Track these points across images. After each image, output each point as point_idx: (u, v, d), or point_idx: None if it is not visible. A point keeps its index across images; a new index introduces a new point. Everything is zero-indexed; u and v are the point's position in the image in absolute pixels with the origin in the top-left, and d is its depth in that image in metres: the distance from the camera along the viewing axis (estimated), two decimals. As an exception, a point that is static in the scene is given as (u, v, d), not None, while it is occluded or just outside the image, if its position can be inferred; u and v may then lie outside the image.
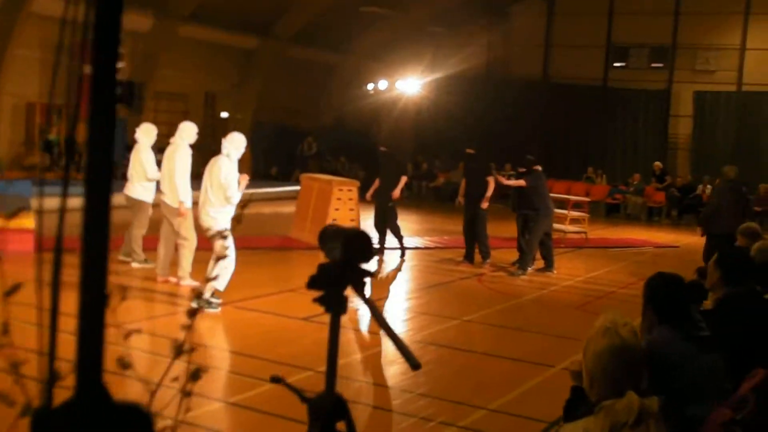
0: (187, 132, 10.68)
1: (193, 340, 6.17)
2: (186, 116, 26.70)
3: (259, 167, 28.57)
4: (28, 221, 12.12)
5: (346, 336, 8.45)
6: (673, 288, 4.27)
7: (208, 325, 8.71)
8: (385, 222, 13.94)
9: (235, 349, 7.96)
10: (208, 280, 8.72)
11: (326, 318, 7.34)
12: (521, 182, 13.08)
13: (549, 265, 13.36)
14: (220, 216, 9.26)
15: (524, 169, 13.33)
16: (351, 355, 7.74)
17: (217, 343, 8.11)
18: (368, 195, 14.30)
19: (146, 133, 11.79)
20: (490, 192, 13.18)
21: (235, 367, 7.41)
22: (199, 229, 9.74)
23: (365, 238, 2.43)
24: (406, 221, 20.06)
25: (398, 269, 13.39)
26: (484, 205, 13.13)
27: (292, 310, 9.43)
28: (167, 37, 24.87)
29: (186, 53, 26.12)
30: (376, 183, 14.17)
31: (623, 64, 28.59)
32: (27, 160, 22.35)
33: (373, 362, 7.74)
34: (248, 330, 8.76)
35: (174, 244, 10.58)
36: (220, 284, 9.16)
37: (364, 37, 30.71)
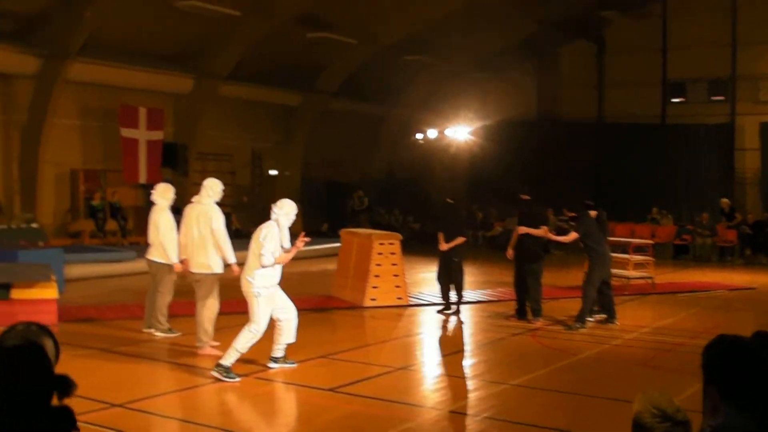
0: (215, 189, 9.95)
1: (202, 420, 5.24)
2: (234, 176, 26.42)
3: (309, 223, 27.94)
4: (50, 291, 11.54)
5: (360, 416, 7.50)
6: (743, 358, 3.23)
7: (223, 400, 7.84)
8: (449, 276, 13.24)
9: (244, 429, 7.03)
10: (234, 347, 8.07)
11: (355, 389, 6.45)
12: (572, 236, 12.01)
13: (611, 317, 12.22)
14: (257, 280, 8.54)
15: (573, 214, 12.30)
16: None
17: (230, 422, 7.20)
18: (441, 247, 13.28)
19: (163, 194, 11.10)
20: (539, 234, 12.13)
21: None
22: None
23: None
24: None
25: (448, 327, 12.42)
26: (538, 233, 12.09)
27: (320, 379, 8.53)
28: (209, 97, 24.60)
29: (229, 112, 25.81)
30: (440, 236, 13.29)
31: (681, 99, 27.41)
32: (72, 227, 22.07)
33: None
34: (266, 405, 7.86)
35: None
36: (244, 348, 8.41)
37: (409, 86, 30.12)
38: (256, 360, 9.26)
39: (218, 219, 9.74)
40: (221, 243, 9.66)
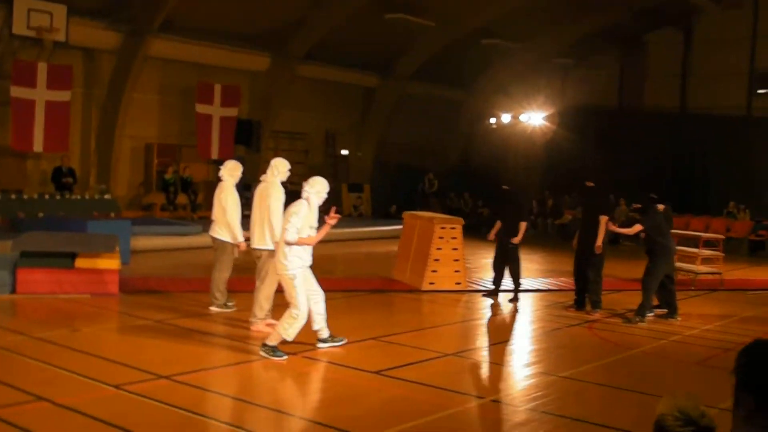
0: (280, 168, 10.01)
1: (242, 396, 5.30)
2: (307, 155, 26.61)
3: (379, 205, 27.98)
4: (113, 262, 11.80)
5: (403, 400, 7.46)
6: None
7: (267, 377, 7.90)
8: (504, 263, 13.16)
9: (287, 409, 7.05)
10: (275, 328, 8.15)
11: (401, 372, 6.43)
12: (637, 228, 11.74)
13: (672, 312, 11.92)
14: (291, 262, 8.52)
15: (639, 206, 12.00)
16: (406, 421, 6.70)
17: (270, 400, 7.24)
18: (490, 236, 13.40)
19: (231, 171, 11.15)
20: (602, 233, 11.84)
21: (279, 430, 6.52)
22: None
23: None
24: (527, 261, 18.88)
25: (504, 314, 12.29)
26: (597, 246, 11.82)
27: (367, 361, 8.52)
28: (285, 77, 24.75)
29: (305, 92, 25.94)
30: (498, 224, 13.26)
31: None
32: (145, 200, 22.53)
33: (433, 430, 6.70)
34: (311, 385, 7.90)
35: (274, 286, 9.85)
36: (289, 334, 8.41)
37: (488, 71, 29.82)
38: (303, 340, 9.32)
39: (276, 197, 9.79)
40: (272, 220, 9.69)
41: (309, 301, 8.70)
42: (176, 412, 6.56)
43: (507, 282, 13.43)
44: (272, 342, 8.47)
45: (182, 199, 22.66)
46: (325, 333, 9.03)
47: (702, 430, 2.77)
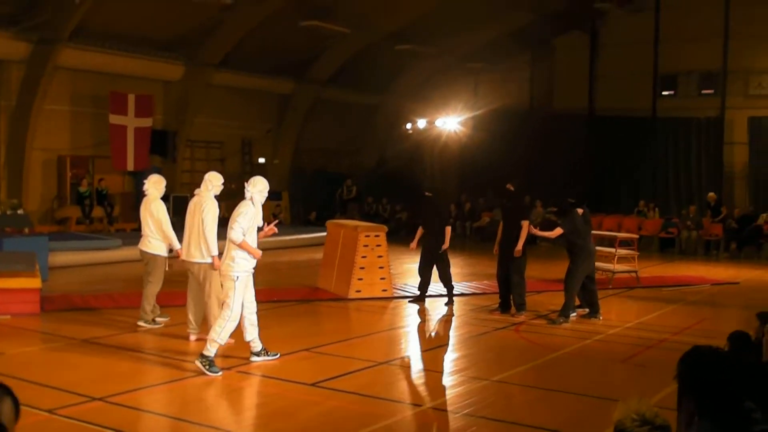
0: (214, 182, 10.06)
1: (179, 415, 5.24)
2: (223, 163, 26.35)
3: (298, 212, 27.92)
4: (33, 281, 11.51)
5: (341, 411, 7.51)
6: (719, 369, 3.24)
7: (202, 394, 7.84)
8: (431, 268, 13.36)
9: (225, 426, 7.00)
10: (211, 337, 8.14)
11: (336, 383, 6.48)
12: (557, 231, 12.04)
13: (594, 311, 12.26)
14: (238, 264, 8.70)
15: (555, 209, 12.32)
16: None
17: (207, 417, 7.18)
18: (413, 244, 13.61)
19: (155, 185, 11.15)
20: (523, 237, 12.11)
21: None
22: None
23: None
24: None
25: (431, 320, 12.45)
26: (517, 250, 12.09)
27: (301, 374, 8.54)
28: (199, 85, 24.49)
29: (220, 100, 25.70)
30: (420, 231, 13.46)
31: (672, 92, 27.42)
32: (59, 213, 22.00)
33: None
34: (247, 400, 7.86)
35: (202, 301, 10.02)
36: (221, 337, 8.50)
37: (402, 76, 30.08)
38: (239, 353, 9.28)
39: (209, 211, 9.84)
40: (206, 234, 9.78)
41: (243, 309, 8.73)
42: (113, 435, 6.47)
43: (432, 287, 13.60)
44: (210, 353, 8.44)
45: (98, 211, 22.20)
46: (258, 345, 9.04)
47: (658, 428, 2.90)
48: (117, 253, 17.74)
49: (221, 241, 9.35)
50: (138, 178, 22.97)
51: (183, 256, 10.06)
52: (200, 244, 9.84)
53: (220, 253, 9.46)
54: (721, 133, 26.24)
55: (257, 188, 8.91)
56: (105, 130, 22.10)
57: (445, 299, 13.41)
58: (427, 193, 13.83)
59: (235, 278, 8.63)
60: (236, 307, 8.63)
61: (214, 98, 25.37)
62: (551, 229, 12.87)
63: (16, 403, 2.44)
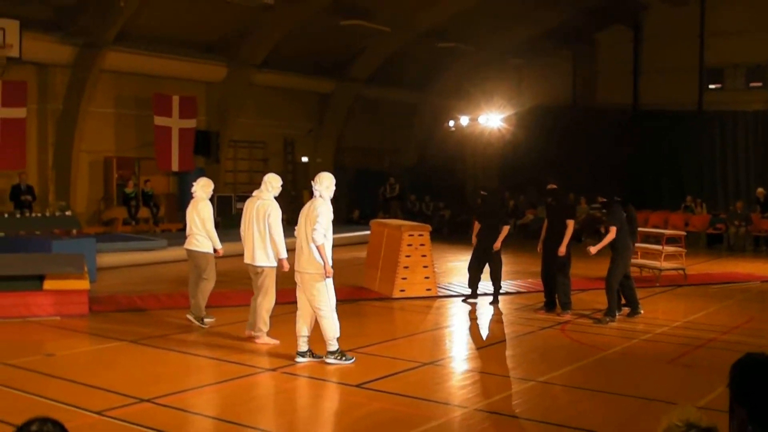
0: (274, 184, 10.19)
1: (226, 417, 5.28)
2: (266, 163, 26.51)
3: (341, 211, 27.98)
4: (82, 282, 11.68)
5: (387, 413, 7.51)
6: (772, 377, 3.17)
7: (250, 396, 7.88)
8: (482, 265, 13.37)
9: (272, 428, 7.04)
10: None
11: (382, 385, 6.51)
12: (611, 235, 11.74)
13: (634, 309, 12.10)
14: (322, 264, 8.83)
15: (604, 200, 12.16)
16: (402, 433, 6.74)
17: (255, 419, 7.22)
18: (473, 239, 13.48)
19: (203, 188, 11.27)
20: (567, 236, 12.01)
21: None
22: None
23: None
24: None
25: (476, 319, 12.39)
26: (561, 251, 11.99)
27: (347, 375, 8.56)
28: (241, 86, 24.67)
29: (261, 100, 25.88)
30: (476, 225, 13.43)
31: (719, 86, 27.02)
32: (106, 215, 22.29)
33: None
34: (293, 402, 7.89)
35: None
36: (336, 331, 8.97)
37: (442, 73, 30.02)
38: (284, 354, 9.33)
39: (274, 214, 9.96)
40: (274, 237, 9.90)
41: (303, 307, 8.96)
42: (162, 437, 6.54)
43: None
44: (333, 347, 8.85)
45: (144, 212, 22.47)
46: (305, 346, 9.08)
47: (704, 430, 2.86)
48: (163, 253, 17.94)
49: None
50: (183, 178, 23.25)
51: (246, 260, 10.10)
52: (265, 248, 9.91)
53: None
54: (769, 126, 25.82)
55: (324, 185, 8.99)
56: (149, 131, 22.36)
57: (490, 298, 13.36)
58: (482, 192, 13.81)
59: (322, 275, 8.75)
60: (332, 301, 8.84)
61: (256, 98, 25.56)
62: (593, 227, 12.75)
63: None
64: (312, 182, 9.10)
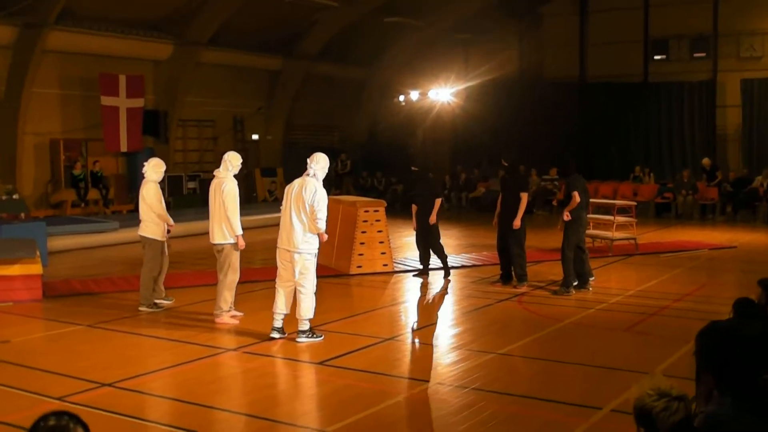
0: (233, 162, 10.12)
1: (189, 398, 5.25)
2: (215, 142, 26.28)
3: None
4: (34, 267, 11.49)
5: (350, 390, 7.56)
6: (736, 345, 3.26)
7: (211, 377, 7.86)
8: (427, 242, 13.36)
9: (236, 408, 7.02)
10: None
11: (343, 361, 6.53)
12: (575, 200, 11.79)
13: (582, 283, 12.19)
14: (313, 242, 9.00)
15: (563, 168, 12.24)
16: (357, 412, 6.78)
17: (218, 400, 7.20)
18: (413, 223, 13.58)
19: (155, 169, 11.10)
20: (522, 209, 12.12)
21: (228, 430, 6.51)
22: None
23: None
24: (445, 236, 19.12)
25: (433, 294, 12.47)
26: (516, 223, 12.11)
27: (308, 352, 8.58)
28: (189, 64, 24.35)
29: (210, 78, 25.57)
30: (414, 207, 13.48)
31: (663, 56, 27.35)
32: (54, 197, 21.92)
33: (384, 419, 6.79)
34: (256, 381, 7.88)
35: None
36: (311, 313, 9.09)
37: (391, 49, 29.94)
38: (247, 333, 9.32)
39: (229, 191, 9.90)
40: (229, 215, 9.87)
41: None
42: (124, 420, 6.50)
43: (433, 260, 13.62)
44: (304, 326, 8.97)
45: (93, 194, 22.14)
46: (281, 323, 9.20)
47: (676, 399, 2.93)
48: (114, 235, 17.72)
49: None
50: (132, 159, 22.93)
51: (212, 239, 10.08)
52: (222, 225, 9.91)
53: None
54: (713, 96, 26.27)
55: (320, 165, 9.16)
56: (97, 112, 21.98)
57: (443, 272, 13.42)
58: (413, 168, 13.85)
59: (314, 255, 8.98)
60: (314, 281, 9.00)
61: (204, 77, 25.25)
62: (545, 199, 12.87)
63: (87, 431, 2.43)
64: (308, 159, 9.20)
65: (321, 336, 9.11)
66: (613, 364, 8.07)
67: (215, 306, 10.08)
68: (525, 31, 30.41)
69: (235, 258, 10.03)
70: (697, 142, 26.43)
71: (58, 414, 2.44)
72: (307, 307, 8.99)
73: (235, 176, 10.16)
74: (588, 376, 7.86)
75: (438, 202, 13.27)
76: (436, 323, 10.53)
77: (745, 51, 25.89)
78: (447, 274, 13.38)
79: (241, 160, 10.25)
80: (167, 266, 11.19)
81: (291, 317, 9.17)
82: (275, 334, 9.12)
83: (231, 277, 10.01)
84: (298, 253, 8.93)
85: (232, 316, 10.09)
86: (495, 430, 6.27)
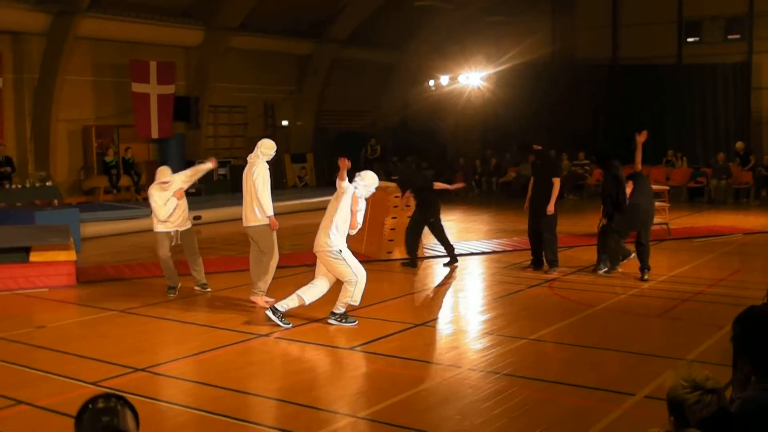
0: (266, 150, 10.25)
1: (222, 384, 5.29)
2: (246, 128, 26.36)
3: (323, 174, 27.90)
4: (68, 253, 11.61)
5: (381, 375, 7.56)
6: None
7: (244, 362, 7.90)
8: (434, 233, 13.29)
9: (269, 394, 7.07)
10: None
11: (375, 347, 6.53)
12: (630, 187, 11.80)
13: (612, 265, 12.13)
14: (336, 240, 9.14)
15: (597, 161, 12.14)
16: (388, 398, 6.77)
17: (251, 386, 7.24)
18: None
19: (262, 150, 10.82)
20: (555, 194, 12.06)
21: (261, 417, 6.54)
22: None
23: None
24: (475, 222, 19.11)
25: (464, 279, 12.44)
26: (549, 209, 12.04)
27: (339, 338, 8.62)
28: (219, 50, 24.42)
29: (240, 64, 25.64)
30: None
31: (697, 38, 26.98)
32: (86, 184, 22.13)
33: (416, 404, 6.79)
34: (288, 366, 7.92)
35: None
36: (355, 299, 9.16)
37: (422, 32, 29.82)
38: (273, 321, 9.34)
39: (259, 174, 10.03)
40: (259, 196, 10.00)
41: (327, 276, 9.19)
42: (158, 405, 6.56)
43: (460, 246, 13.58)
44: (340, 309, 9.10)
45: (125, 180, 22.33)
46: (284, 307, 9.16)
47: (708, 392, 2.90)
48: (146, 221, 17.70)
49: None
50: (163, 145, 23.08)
51: (244, 223, 10.24)
52: (255, 207, 10.05)
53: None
54: (748, 78, 25.86)
55: (364, 182, 9.33)
56: (128, 99, 22.14)
57: (474, 258, 13.34)
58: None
59: (339, 251, 9.02)
60: (356, 269, 9.09)
61: (235, 62, 25.33)
62: (576, 183, 12.77)
63: (136, 415, 2.46)
64: (357, 174, 9.42)
65: (355, 321, 9.12)
66: (646, 350, 8.01)
67: (254, 286, 10.19)
68: (557, 13, 30.11)
69: (272, 239, 10.14)
70: (731, 125, 26.05)
71: (107, 396, 2.48)
72: (347, 294, 9.05)
73: (268, 162, 10.23)
74: (620, 362, 7.80)
75: (408, 194, 13.23)
76: (467, 309, 10.50)
77: (782, 32, 25.47)
78: (452, 262, 13.11)
79: (275, 148, 10.34)
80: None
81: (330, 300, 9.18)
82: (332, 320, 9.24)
83: (271, 258, 10.14)
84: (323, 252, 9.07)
85: (266, 301, 10.13)
86: (526, 416, 6.24)
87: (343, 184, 9.08)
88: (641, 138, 11.98)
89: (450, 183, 14.01)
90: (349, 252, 9.20)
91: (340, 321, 9.10)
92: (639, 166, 12.01)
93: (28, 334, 8.93)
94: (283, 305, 9.03)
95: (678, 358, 7.47)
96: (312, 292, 9.10)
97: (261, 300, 10.12)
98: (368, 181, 9.31)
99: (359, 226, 9.35)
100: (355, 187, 9.19)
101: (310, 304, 9.13)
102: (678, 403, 2.94)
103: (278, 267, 10.37)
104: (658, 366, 7.23)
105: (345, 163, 9.08)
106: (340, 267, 9.02)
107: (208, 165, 11.44)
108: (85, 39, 21.15)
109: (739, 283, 11.50)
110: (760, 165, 23.24)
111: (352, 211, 9.18)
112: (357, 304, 9.16)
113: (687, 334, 8.73)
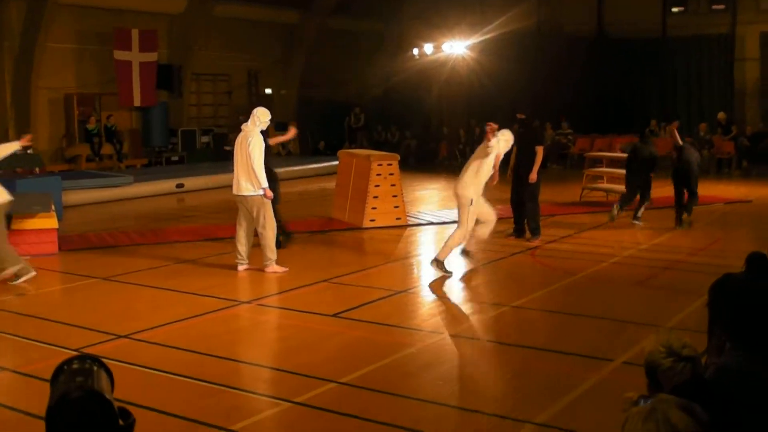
0: (261, 118, 10.23)
1: (204, 350, 5.31)
2: (230, 96, 26.22)
3: (307, 142, 27.85)
4: (50, 221, 11.57)
5: (364, 342, 7.61)
6: (750, 298, 3.25)
7: (226, 329, 7.92)
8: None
9: (251, 360, 7.11)
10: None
11: (357, 314, 6.55)
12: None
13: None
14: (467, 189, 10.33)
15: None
16: (371, 363, 6.82)
17: (233, 352, 7.27)
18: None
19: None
20: (538, 163, 12.13)
21: (245, 383, 6.58)
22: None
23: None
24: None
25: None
26: (532, 177, 12.09)
27: (321, 305, 8.63)
28: (203, 17, 24.21)
29: (224, 32, 25.43)
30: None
31: (682, 8, 26.95)
32: (68, 152, 21.99)
33: (398, 369, 6.84)
34: (272, 333, 7.96)
35: (251, 233, 10.41)
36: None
37: (406, 1, 29.60)
38: (263, 285, 9.38)
39: (255, 144, 10.03)
40: (254, 167, 9.99)
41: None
42: (142, 371, 6.57)
43: (444, 215, 13.59)
44: (442, 257, 10.02)
45: (107, 149, 22.19)
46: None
47: (683, 360, 2.94)
48: (129, 189, 17.79)
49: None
50: (145, 113, 22.93)
51: (234, 191, 10.27)
52: (250, 177, 10.03)
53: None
54: (732, 49, 25.88)
55: (505, 137, 10.81)
56: (110, 67, 21.96)
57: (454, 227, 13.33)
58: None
59: (471, 202, 10.14)
60: (469, 223, 10.23)
61: (219, 30, 25.11)
62: (559, 153, 12.82)
63: (111, 376, 2.46)
64: (498, 133, 10.57)
65: (451, 272, 10.06)
66: (626, 317, 8.09)
67: (264, 257, 10.20)
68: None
69: (269, 208, 10.17)
70: (714, 96, 26.11)
71: (82, 358, 2.48)
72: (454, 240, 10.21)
73: (262, 132, 10.22)
74: (600, 329, 7.87)
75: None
76: (448, 276, 10.56)
77: (765, 3, 25.43)
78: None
79: (269, 116, 10.33)
80: None
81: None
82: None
83: (270, 228, 10.18)
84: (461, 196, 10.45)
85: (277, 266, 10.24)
86: (509, 382, 6.31)
87: (492, 142, 10.02)
88: (673, 127, 14.04)
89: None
90: (480, 202, 10.37)
91: (441, 269, 10.02)
92: (680, 143, 13.69)
93: (9, 302, 8.92)
94: (471, 246, 10.53)
95: (657, 325, 7.55)
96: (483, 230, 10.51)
97: (278, 268, 10.16)
98: (508, 136, 10.68)
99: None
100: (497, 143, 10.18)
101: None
102: (653, 368, 2.98)
103: (256, 235, 10.38)
104: (638, 333, 7.31)
105: (492, 127, 10.26)
106: (463, 215, 10.09)
107: (16, 145, 10.76)
108: (66, 5, 20.90)
109: (719, 251, 11.60)
110: (742, 135, 23.33)
111: (494, 166, 10.44)
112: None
113: (667, 302, 8.81)
